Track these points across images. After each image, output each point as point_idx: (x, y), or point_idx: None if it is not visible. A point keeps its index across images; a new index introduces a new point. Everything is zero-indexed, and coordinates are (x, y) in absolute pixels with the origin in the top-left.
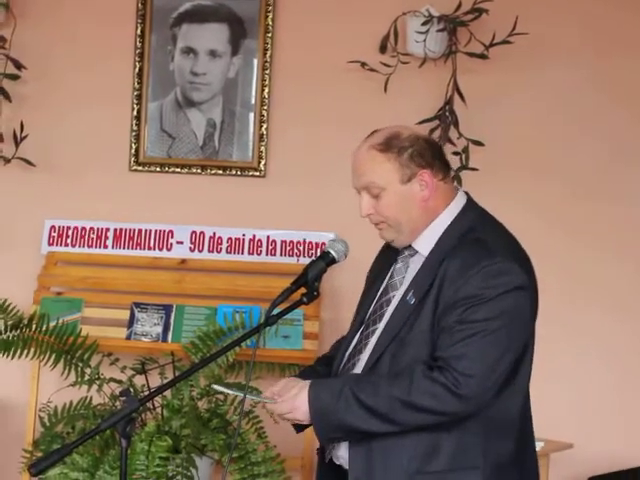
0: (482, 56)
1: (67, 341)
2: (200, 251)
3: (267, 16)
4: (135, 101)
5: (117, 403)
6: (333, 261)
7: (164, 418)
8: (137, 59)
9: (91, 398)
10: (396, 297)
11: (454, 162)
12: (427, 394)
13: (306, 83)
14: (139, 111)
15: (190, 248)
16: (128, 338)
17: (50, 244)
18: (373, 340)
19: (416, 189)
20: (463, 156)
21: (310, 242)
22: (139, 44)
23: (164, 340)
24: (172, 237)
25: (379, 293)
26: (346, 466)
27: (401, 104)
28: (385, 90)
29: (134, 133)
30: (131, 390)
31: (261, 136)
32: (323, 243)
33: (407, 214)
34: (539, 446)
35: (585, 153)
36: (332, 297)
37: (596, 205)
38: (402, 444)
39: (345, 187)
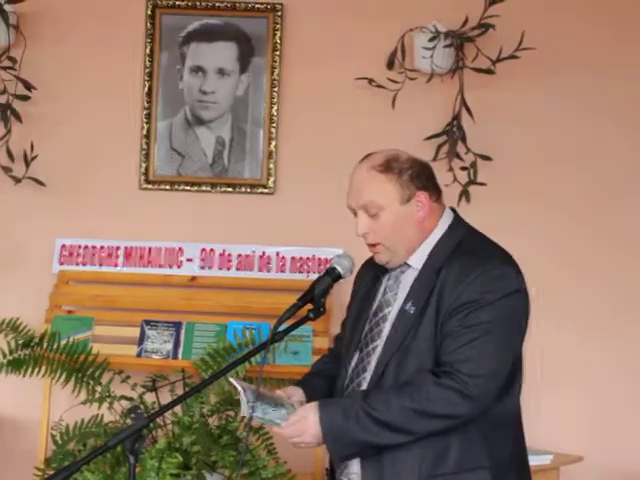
0: (489, 71)
1: (78, 359)
2: (210, 268)
3: (275, 34)
4: (145, 120)
5: (128, 420)
6: (339, 277)
7: (175, 435)
8: (146, 78)
9: (102, 416)
10: (393, 311)
11: (462, 177)
12: (439, 400)
13: (314, 100)
14: (149, 130)
15: (200, 265)
16: (139, 355)
17: (61, 263)
18: (375, 356)
19: (413, 210)
20: (471, 171)
21: (319, 258)
22: (148, 63)
23: (174, 357)
24: (182, 254)
25: (372, 312)
26: None
27: (409, 120)
28: (393, 106)
29: (144, 152)
30: (139, 407)
31: (270, 153)
32: (332, 259)
33: (403, 234)
34: (548, 459)
35: (593, 167)
36: (341, 313)
37: (604, 218)
38: (411, 451)
39: None
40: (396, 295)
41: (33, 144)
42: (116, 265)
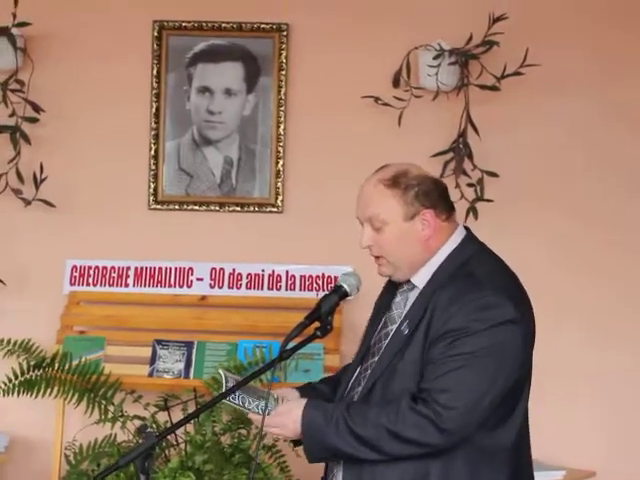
0: (494, 88)
1: (90, 379)
2: (220, 287)
3: (281, 54)
4: (152, 140)
5: (140, 440)
6: (346, 295)
7: (187, 454)
8: (154, 99)
9: (116, 435)
10: (393, 330)
11: (469, 194)
12: (412, 426)
13: (321, 119)
14: (157, 150)
15: (210, 284)
16: (150, 375)
17: (72, 284)
18: (370, 371)
19: (418, 227)
20: (478, 188)
21: (329, 276)
22: (155, 84)
23: (186, 376)
24: (192, 274)
25: (379, 326)
26: None
27: (415, 137)
28: (399, 124)
29: (152, 172)
30: (148, 426)
31: (278, 172)
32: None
33: (406, 250)
34: (560, 475)
35: (599, 183)
36: (352, 331)
37: (610, 235)
38: (391, 471)
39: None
40: (401, 313)
41: (42, 166)
42: (127, 285)
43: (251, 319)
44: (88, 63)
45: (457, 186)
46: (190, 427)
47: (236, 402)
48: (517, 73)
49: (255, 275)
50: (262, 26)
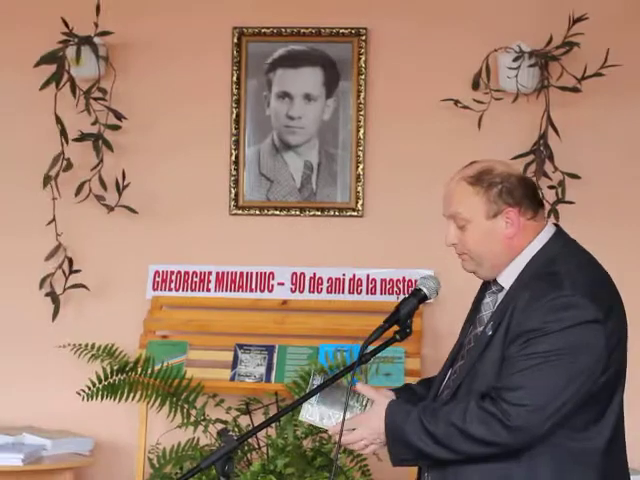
0: (575, 89)
1: (172, 383)
2: (301, 292)
3: (360, 58)
4: (233, 146)
5: (221, 443)
6: (425, 298)
7: (269, 457)
8: (234, 105)
9: (198, 439)
10: (481, 331)
11: (550, 196)
12: (479, 423)
13: (400, 122)
14: (237, 156)
15: (291, 289)
16: (232, 379)
17: (155, 289)
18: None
19: (501, 226)
20: (559, 190)
21: (410, 280)
22: (235, 90)
23: (267, 380)
24: (273, 279)
25: (471, 327)
26: None
27: (495, 140)
28: (479, 127)
29: (233, 178)
30: (228, 429)
31: (358, 176)
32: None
33: (489, 249)
34: None
35: None
36: (433, 334)
37: None
38: (473, 473)
39: (443, 224)
40: (490, 314)
41: (125, 173)
42: (208, 290)
43: (332, 323)
44: (169, 70)
45: (538, 188)
46: (272, 431)
47: (313, 419)
48: (598, 74)
49: (336, 279)
50: (341, 31)
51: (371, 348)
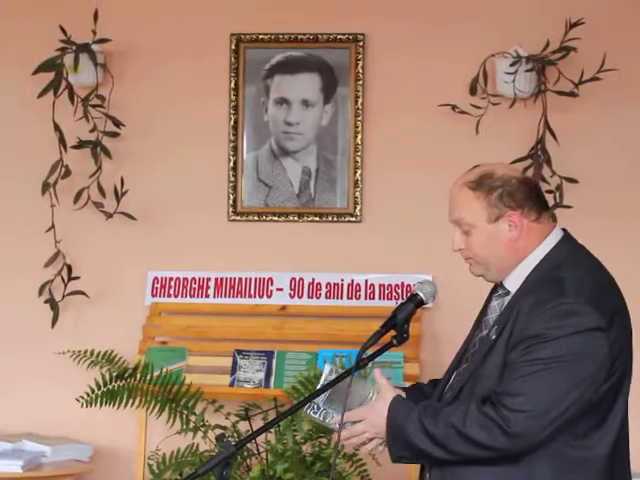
0: (572, 94)
1: (171, 389)
2: (300, 297)
3: (357, 64)
4: (231, 152)
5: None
6: (422, 303)
7: (268, 463)
8: (232, 111)
9: (198, 445)
10: (485, 335)
11: (548, 200)
12: (479, 427)
13: (398, 128)
14: (235, 162)
15: (290, 294)
16: (231, 385)
17: (153, 295)
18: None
19: (504, 229)
20: (557, 194)
21: (408, 285)
22: (233, 96)
23: (266, 386)
24: (272, 284)
25: (477, 331)
26: None
27: (493, 145)
28: (477, 131)
29: (231, 184)
30: (226, 435)
31: (356, 182)
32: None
33: (494, 253)
34: None
35: None
36: (432, 339)
37: None
38: (471, 475)
39: (441, 229)
40: (497, 317)
41: (123, 179)
42: (207, 296)
43: (331, 328)
44: (167, 77)
45: None
46: (271, 436)
47: (316, 417)
48: (595, 78)
49: (334, 284)
50: (338, 37)
51: (369, 353)
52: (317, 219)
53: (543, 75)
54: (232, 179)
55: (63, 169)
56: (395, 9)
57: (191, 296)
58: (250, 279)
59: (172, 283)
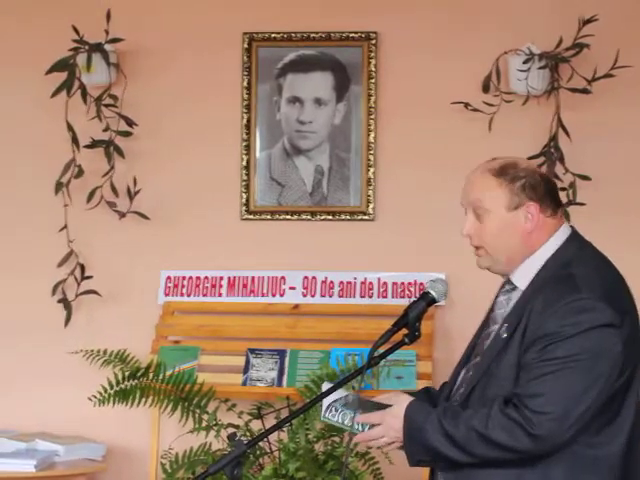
0: (585, 91)
1: (184, 388)
2: (312, 296)
3: (370, 62)
4: (244, 151)
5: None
6: (433, 301)
7: (281, 461)
8: (244, 110)
9: (210, 444)
10: (495, 331)
11: (561, 198)
12: (502, 429)
13: (411, 126)
14: (248, 161)
15: (302, 293)
16: (244, 384)
17: (166, 294)
18: (472, 374)
19: (521, 219)
20: (570, 191)
21: (421, 283)
22: (246, 95)
23: (279, 385)
24: (284, 283)
25: (485, 326)
26: None
27: (506, 142)
28: (490, 129)
29: (244, 183)
30: (238, 434)
31: (369, 180)
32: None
33: (506, 242)
34: None
35: None
36: (445, 337)
37: None
38: (486, 477)
39: (454, 227)
40: (504, 313)
41: (136, 179)
42: (220, 295)
43: (343, 327)
44: (179, 76)
45: None
46: (284, 435)
47: (335, 419)
48: (608, 75)
49: (347, 283)
50: (351, 35)
51: (380, 351)
52: (330, 218)
53: (556, 72)
54: (245, 178)
55: (76, 169)
56: (407, 7)
57: (204, 295)
58: (263, 278)
59: (185, 282)
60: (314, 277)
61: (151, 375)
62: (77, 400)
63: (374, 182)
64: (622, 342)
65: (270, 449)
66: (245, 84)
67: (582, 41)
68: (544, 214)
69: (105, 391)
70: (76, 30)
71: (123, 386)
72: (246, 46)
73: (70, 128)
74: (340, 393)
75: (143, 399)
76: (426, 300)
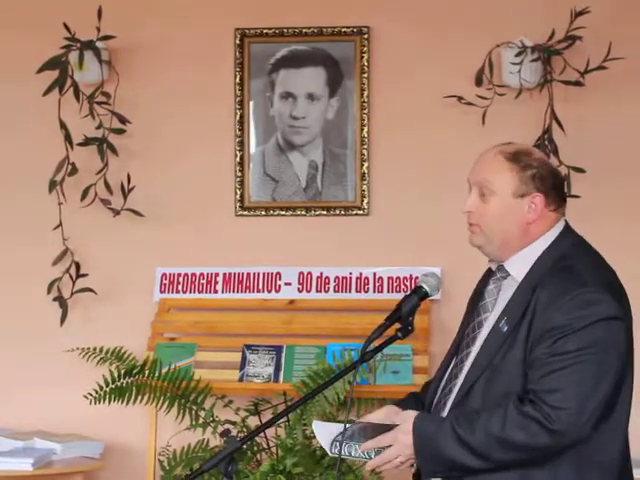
0: (577, 83)
1: (180, 385)
2: (308, 291)
3: (362, 57)
4: (238, 147)
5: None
6: (426, 295)
7: (278, 457)
8: (237, 106)
9: (208, 440)
10: (488, 320)
11: None
12: (520, 429)
13: (404, 120)
14: (242, 157)
15: (298, 289)
16: (240, 380)
17: (162, 291)
18: (467, 364)
19: (524, 208)
20: (564, 184)
21: (416, 277)
22: (239, 92)
23: (276, 380)
24: (280, 279)
25: (475, 314)
26: None
27: (499, 135)
28: (483, 122)
29: (238, 179)
30: (231, 430)
31: (363, 175)
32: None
33: (505, 227)
34: None
35: None
36: (441, 332)
37: None
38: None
39: (449, 220)
40: (495, 301)
41: (130, 176)
42: (215, 291)
43: (339, 322)
44: (172, 73)
45: None
46: (281, 431)
47: (345, 453)
48: (601, 67)
49: (343, 278)
50: (343, 30)
51: (375, 347)
52: (324, 213)
53: (549, 65)
54: (239, 174)
55: (70, 167)
56: (399, 1)
57: (199, 292)
58: (258, 274)
59: (180, 279)
60: (309, 272)
61: (147, 372)
62: (74, 398)
63: (368, 177)
64: (624, 333)
65: (267, 445)
66: (238, 80)
67: (574, 33)
68: (547, 207)
69: (101, 389)
70: (67, 28)
71: (119, 384)
72: (238, 42)
73: (63, 126)
74: (338, 427)
75: (139, 396)
76: (419, 294)
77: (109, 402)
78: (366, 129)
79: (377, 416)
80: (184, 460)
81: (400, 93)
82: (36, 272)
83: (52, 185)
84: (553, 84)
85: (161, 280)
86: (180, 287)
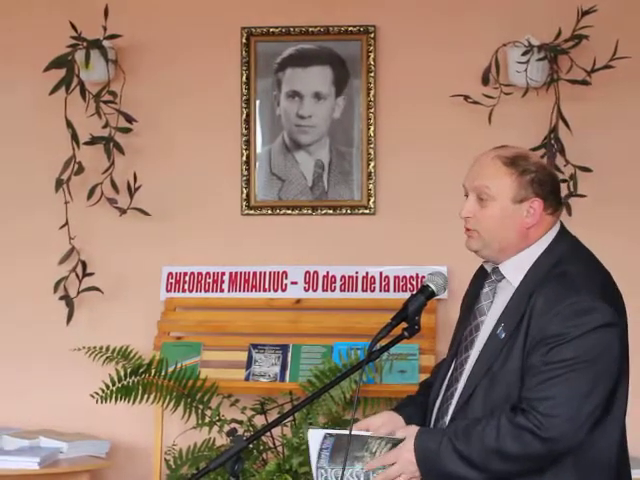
0: (584, 82)
1: (187, 384)
2: (314, 290)
3: (369, 56)
4: (244, 146)
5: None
6: (432, 294)
7: (284, 456)
8: (244, 105)
9: (214, 439)
10: (485, 324)
11: (562, 190)
12: (514, 440)
13: (411, 119)
14: (248, 156)
15: (304, 288)
16: (247, 379)
17: (168, 290)
18: (467, 368)
19: (522, 213)
20: (571, 183)
21: (423, 276)
22: (245, 90)
23: (282, 380)
24: (286, 278)
25: (471, 317)
26: None
27: (506, 134)
28: (489, 121)
29: (244, 178)
30: (237, 430)
31: (369, 174)
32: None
33: (503, 232)
34: None
35: None
36: (447, 331)
37: None
38: None
39: (455, 220)
40: (490, 304)
41: (136, 175)
42: (222, 290)
43: (346, 321)
44: (178, 72)
45: None
46: (287, 430)
47: (349, 476)
48: (607, 66)
49: (349, 277)
50: (349, 29)
51: (381, 346)
52: (331, 212)
53: (555, 64)
54: (245, 173)
55: (76, 165)
56: (406, 0)
57: (205, 291)
58: (264, 273)
59: (186, 278)
60: (316, 272)
61: (153, 371)
62: (80, 397)
63: (375, 176)
64: (619, 339)
65: (274, 444)
66: (244, 79)
67: (581, 32)
68: (545, 211)
69: (107, 388)
70: (74, 27)
71: (125, 383)
72: (245, 41)
73: (69, 125)
74: (323, 434)
75: (145, 396)
76: (425, 294)
77: (115, 401)
78: (372, 128)
79: (376, 421)
80: (190, 459)
81: (406, 92)
82: (43, 271)
83: (58, 184)
84: (559, 83)
85: (167, 279)
86: (186, 286)
